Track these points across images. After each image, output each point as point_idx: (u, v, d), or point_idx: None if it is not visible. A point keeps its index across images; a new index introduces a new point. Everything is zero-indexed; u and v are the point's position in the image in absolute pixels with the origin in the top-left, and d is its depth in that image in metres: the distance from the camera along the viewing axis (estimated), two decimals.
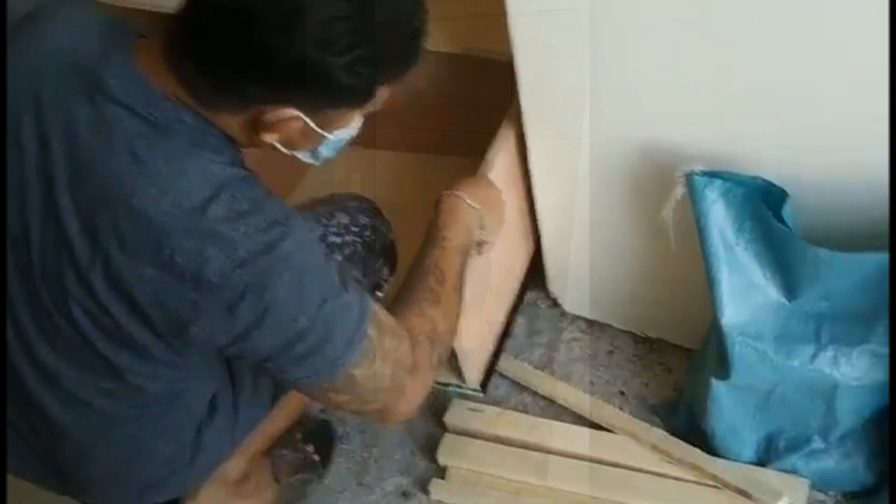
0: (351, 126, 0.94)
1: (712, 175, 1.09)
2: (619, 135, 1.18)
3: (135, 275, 0.83)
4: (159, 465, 1.08)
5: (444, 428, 1.42)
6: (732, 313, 1.14)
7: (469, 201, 1.16)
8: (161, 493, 1.12)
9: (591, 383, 1.45)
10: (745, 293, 1.13)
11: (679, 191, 1.12)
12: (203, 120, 0.86)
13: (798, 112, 1.03)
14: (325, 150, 0.96)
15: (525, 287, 1.56)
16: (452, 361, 1.38)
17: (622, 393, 1.43)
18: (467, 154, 1.36)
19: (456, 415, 1.41)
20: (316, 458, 1.41)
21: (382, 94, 0.90)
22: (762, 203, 1.07)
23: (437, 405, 1.45)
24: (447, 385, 1.43)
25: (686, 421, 1.33)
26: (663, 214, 1.16)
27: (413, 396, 0.99)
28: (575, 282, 1.49)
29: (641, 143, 1.17)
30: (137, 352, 0.91)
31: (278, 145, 0.91)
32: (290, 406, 1.29)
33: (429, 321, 1.02)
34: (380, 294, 1.27)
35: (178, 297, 0.83)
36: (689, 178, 1.10)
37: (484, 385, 1.44)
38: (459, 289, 1.10)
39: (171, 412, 1.03)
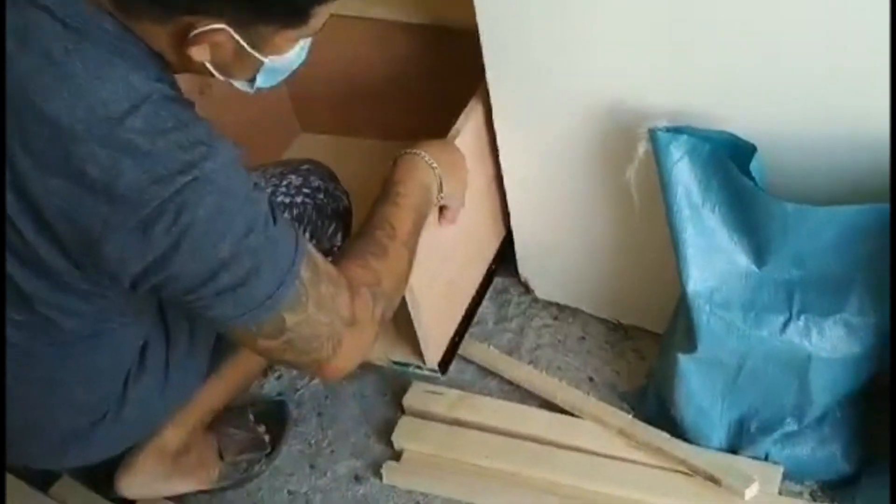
0: (289, 52, 0.89)
1: (677, 131, 1.03)
2: (583, 95, 1.13)
3: (42, 186, 0.77)
4: (80, 415, 1.01)
5: (403, 411, 1.35)
6: (698, 280, 1.07)
7: (428, 160, 1.10)
8: (86, 450, 1.05)
9: (559, 368, 1.38)
10: (711, 258, 1.07)
11: (642, 148, 1.07)
12: (127, 30, 0.80)
13: (765, 61, 0.97)
14: (261, 79, 0.90)
15: (494, 271, 1.50)
16: (411, 340, 1.32)
17: (591, 379, 1.36)
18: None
19: (415, 397, 1.34)
20: (266, 438, 1.34)
21: (319, 16, 0.85)
22: (729, 159, 1.01)
23: (396, 388, 1.39)
24: (406, 365, 1.36)
25: (655, 407, 1.26)
26: (627, 175, 1.11)
27: (352, 351, 0.92)
28: (546, 265, 1.43)
29: (606, 102, 1.11)
30: (49, 279, 0.85)
31: (211, 67, 0.86)
32: (233, 379, 1.22)
33: (373, 273, 0.95)
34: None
35: (88, 211, 0.77)
36: (652, 133, 1.04)
37: (444, 367, 1.36)
38: (411, 247, 1.03)
39: (92, 355, 0.97)
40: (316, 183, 1.21)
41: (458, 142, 1.23)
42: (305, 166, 1.23)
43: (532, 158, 1.26)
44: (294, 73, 0.94)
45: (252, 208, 0.83)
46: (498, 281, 1.51)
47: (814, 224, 0.97)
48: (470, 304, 1.44)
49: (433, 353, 1.34)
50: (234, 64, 0.86)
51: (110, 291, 0.88)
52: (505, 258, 1.49)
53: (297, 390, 1.44)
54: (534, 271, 1.47)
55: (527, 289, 1.49)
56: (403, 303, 1.21)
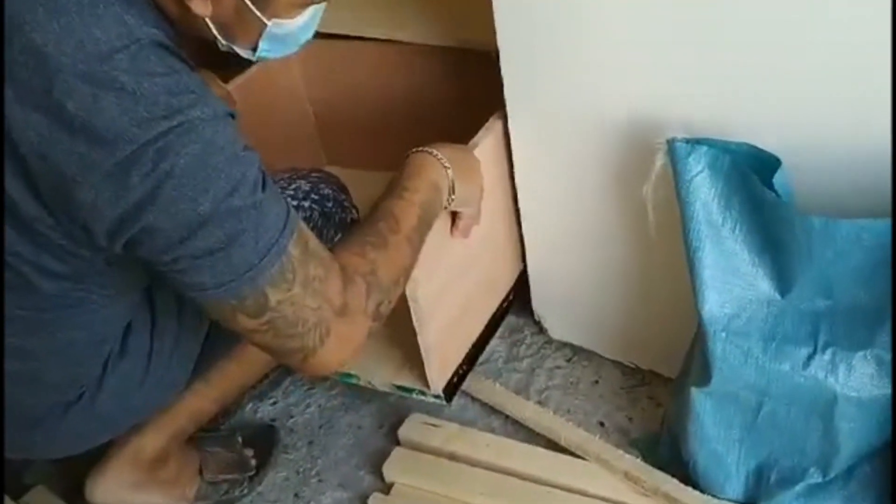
0: (295, 19, 0.85)
1: (696, 142, 0.97)
2: (600, 107, 1.08)
3: (21, 119, 0.73)
4: (53, 392, 0.95)
5: (397, 443, 1.26)
6: (715, 304, 0.99)
7: (441, 159, 1.04)
8: (55, 437, 0.99)
9: (569, 411, 1.28)
10: (730, 282, 0.99)
11: (660, 161, 1.00)
12: None
13: (789, 69, 0.92)
14: (265, 45, 0.87)
15: (507, 308, 1.41)
16: (416, 365, 1.24)
17: (602, 424, 1.26)
18: None
19: (411, 428, 1.26)
20: (253, 462, 1.26)
21: None
22: (752, 173, 0.94)
23: (393, 420, 1.31)
24: (409, 390, 1.26)
25: (667, 454, 1.16)
26: (643, 191, 1.04)
27: (341, 343, 0.86)
28: (561, 302, 1.36)
29: (623, 114, 1.06)
30: (23, 229, 0.80)
31: (212, 26, 0.82)
32: (221, 388, 1.16)
33: (369, 263, 0.89)
34: None
35: (65, 150, 0.73)
36: (670, 145, 0.98)
37: (449, 394, 1.27)
38: (415, 243, 0.97)
39: (70, 328, 0.91)
40: (326, 191, 1.17)
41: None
42: (316, 175, 1.20)
43: (548, 177, 1.20)
44: (301, 47, 0.91)
45: (239, 168, 0.77)
46: (512, 319, 1.44)
47: (841, 241, 0.89)
48: (480, 336, 1.35)
49: (438, 378, 1.24)
50: (236, 24, 0.83)
51: (87, 250, 0.83)
52: (520, 298, 1.42)
53: (291, 417, 1.37)
54: (548, 310, 1.39)
55: (541, 329, 1.41)
56: (409, 324, 1.15)
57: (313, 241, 0.85)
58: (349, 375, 1.27)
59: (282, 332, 0.83)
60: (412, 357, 1.23)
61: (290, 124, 1.70)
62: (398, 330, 1.17)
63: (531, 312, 1.41)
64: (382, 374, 1.28)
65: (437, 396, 1.25)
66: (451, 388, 1.28)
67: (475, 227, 1.17)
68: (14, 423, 0.96)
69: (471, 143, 1.20)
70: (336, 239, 1.17)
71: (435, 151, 1.04)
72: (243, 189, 0.77)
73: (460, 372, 1.29)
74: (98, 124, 0.72)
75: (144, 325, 1.00)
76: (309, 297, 0.82)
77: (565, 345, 1.39)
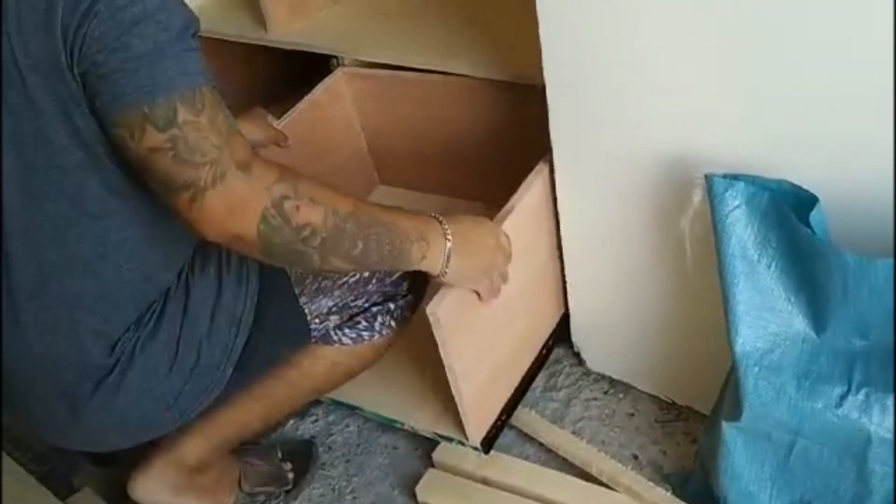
0: None
1: (734, 178, 0.98)
2: (640, 142, 1.10)
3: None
4: (89, 350, 1.00)
5: (432, 465, 1.28)
6: (748, 340, 0.99)
7: (445, 229, 1.04)
8: (78, 419, 1.03)
9: (603, 442, 1.29)
10: (764, 318, 0.99)
11: (697, 196, 1.02)
12: None
13: (828, 105, 0.92)
14: None
15: (551, 348, 1.42)
16: (457, 414, 1.24)
17: (635, 457, 1.27)
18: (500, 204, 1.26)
19: (445, 451, 1.28)
20: (290, 476, 1.30)
21: None
22: (789, 210, 0.95)
23: (429, 444, 1.33)
24: (449, 439, 1.28)
25: (699, 489, 1.15)
26: (681, 226, 1.06)
27: (230, 198, 0.87)
28: (600, 336, 1.37)
29: (663, 150, 1.07)
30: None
31: None
32: (266, 404, 1.20)
33: (293, 171, 0.93)
34: (391, 305, 1.19)
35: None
36: (708, 179, 1.00)
37: (487, 445, 1.28)
38: (356, 224, 0.96)
39: (95, 272, 0.98)
40: None
41: (517, 212, 1.20)
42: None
43: (590, 214, 1.22)
44: None
45: (178, 16, 0.87)
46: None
47: (876, 280, 0.89)
48: (519, 386, 1.35)
49: (476, 431, 1.26)
50: None
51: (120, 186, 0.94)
52: (561, 328, 1.44)
53: (331, 435, 1.40)
54: (587, 342, 1.40)
55: (579, 360, 1.42)
56: (444, 378, 1.18)
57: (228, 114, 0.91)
58: (393, 420, 1.32)
59: (180, 156, 0.86)
60: (453, 406, 1.24)
61: (344, 150, 1.76)
62: (440, 375, 1.19)
63: (570, 343, 1.43)
64: (425, 421, 1.31)
65: (475, 448, 1.27)
66: (490, 439, 1.29)
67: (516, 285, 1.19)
68: (47, 391, 1.02)
69: (521, 188, 1.24)
70: (398, 276, 1.20)
71: (444, 222, 1.05)
72: (174, 25, 0.86)
73: (499, 423, 1.31)
74: None
75: (177, 310, 1.04)
76: (213, 135, 0.87)
77: (603, 377, 1.40)
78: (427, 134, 1.67)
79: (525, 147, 1.30)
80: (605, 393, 1.38)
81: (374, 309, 1.19)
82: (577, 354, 1.42)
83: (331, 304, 1.15)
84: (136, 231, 1.00)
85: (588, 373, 1.41)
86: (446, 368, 1.16)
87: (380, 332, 1.19)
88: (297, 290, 1.14)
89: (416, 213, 1.05)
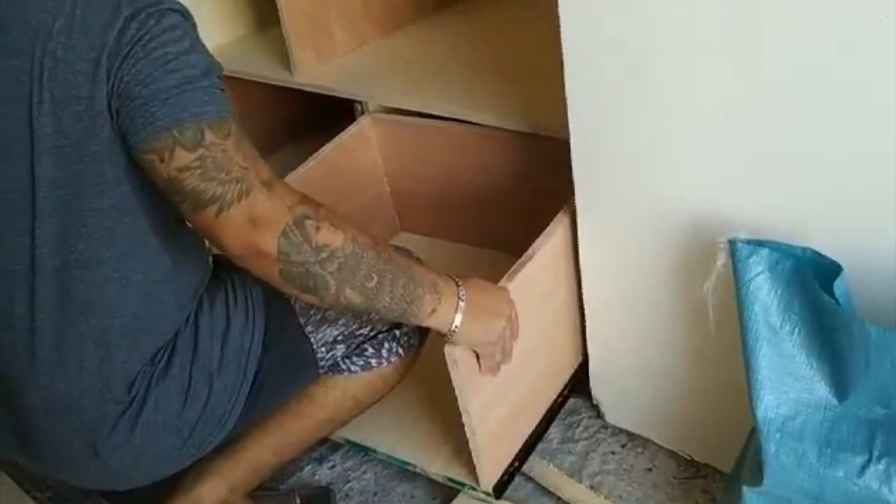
0: None
1: (758, 244, 0.99)
2: (665, 204, 1.11)
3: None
4: (102, 392, 1.03)
5: None
6: (771, 406, 1.00)
7: (460, 289, 1.07)
8: (105, 459, 1.05)
9: (620, 497, 1.29)
10: (787, 385, 0.99)
11: (721, 260, 1.03)
12: None
13: (854, 174, 0.94)
14: None
15: (567, 397, 1.44)
16: (469, 460, 1.26)
17: None
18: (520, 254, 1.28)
19: (463, 502, 1.28)
20: None
21: None
22: (812, 278, 0.96)
23: (447, 493, 1.33)
24: (461, 484, 1.30)
25: None
26: (704, 289, 1.06)
27: (253, 213, 0.93)
28: (619, 389, 1.38)
29: (687, 212, 1.09)
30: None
31: None
32: (280, 440, 1.22)
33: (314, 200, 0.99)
34: (397, 332, 1.22)
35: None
36: (732, 245, 1.01)
37: (499, 492, 1.29)
38: (380, 255, 1.00)
39: (119, 311, 1.02)
40: None
41: (536, 259, 1.23)
42: (390, 246, 1.25)
43: (612, 270, 1.24)
44: None
45: (204, 57, 0.96)
46: (569, 402, 1.46)
47: None
48: (535, 431, 1.37)
49: (488, 477, 1.27)
50: None
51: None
52: (579, 378, 1.44)
53: (348, 482, 1.41)
54: (607, 395, 1.41)
55: (598, 412, 1.43)
56: (459, 423, 1.19)
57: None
58: (406, 463, 1.33)
59: (208, 174, 0.92)
60: (465, 451, 1.25)
61: (367, 194, 1.79)
62: (454, 420, 1.21)
63: (589, 395, 1.43)
64: (437, 464, 1.33)
65: (487, 493, 1.28)
66: (502, 486, 1.30)
67: (535, 334, 1.22)
68: (63, 430, 1.04)
69: (541, 237, 1.26)
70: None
71: (460, 282, 1.08)
72: (201, 65, 0.95)
73: (511, 470, 1.32)
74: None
75: (187, 346, 1.08)
76: (239, 156, 0.94)
77: (621, 430, 1.40)
78: (451, 181, 1.70)
79: (548, 197, 1.32)
80: (623, 446, 1.38)
81: (381, 336, 1.22)
82: (596, 407, 1.42)
83: (336, 333, 1.18)
84: (155, 272, 1.04)
85: (606, 425, 1.41)
86: (461, 410, 1.17)
87: (388, 360, 1.22)
88: (302, 321, 1.17)
89: (434, 268, 1.08)
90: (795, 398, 0.99)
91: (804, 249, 0.97)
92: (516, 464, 1.33)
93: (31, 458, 1.12)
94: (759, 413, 1.00)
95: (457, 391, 1.15)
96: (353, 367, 1.21)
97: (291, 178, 1.59)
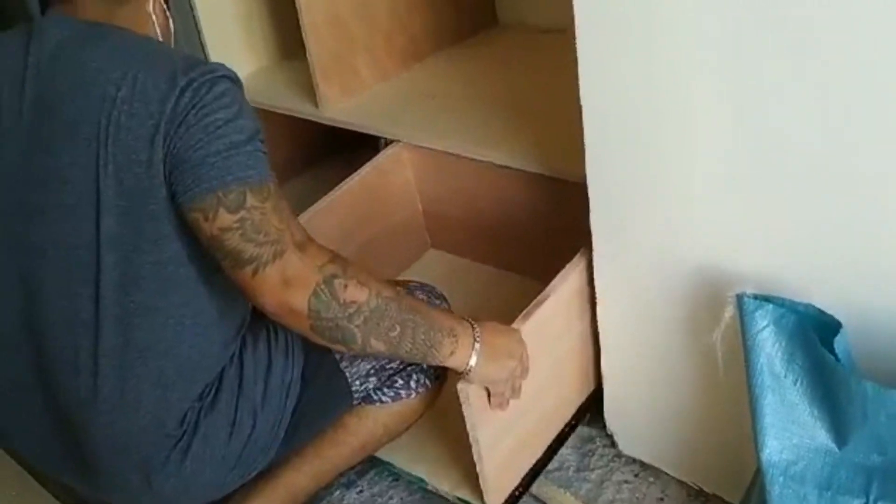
0: None
1: (764, 299, 1.06)
2: (677, 257, 1.19)
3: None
4: (157, 428, 1.11)
5: None
6: (774, 450, 1.06)
7: (475, 331, 1.17)
8: (158, 489, 1.13)
9: None
10: (790, 431, 1.06)
11: (729, 312, 1.10)
12: None
13: (856, 235, 1.01)
14: None
15: (576, 423, 1.52)
16: (476, 480, 1.35)
17: None
18: (540, 278, 1.39)
19: None
20: None
21: None
22: (814, 333, 1.03)
23: None
24: (465, 502, 1.39)
25: None
26: (713, 338, 1.13)
27: (287, 273, 1.02)
28: (632, 421, 1.45)
29: (698, 265, 1.17)
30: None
31: None
32: (317, 465, 1.32)
33: (342, 258, 1.08)
34: (424, 365, 1.29)
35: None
36: (739, 299, 1.07)
37: None
38: (397, 308, 1.09)
39: (174, 353, 1.10)
40: (421, 297, 1.30)
41: (549, 303, 1.32)
42: (415, 284, 1.33)
43: (627, 313, 1.31)
44: None
45: (250, 122, 1.05)
46: (585, 430, 1.53)
47: (893, 407, 0.96)
48: (539, 460, 1.46)
49: (494, 499, 1.36)
50: None
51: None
52: (595, 408, 1.51)
53: None
54: (620, 426, 1.48)
55: (612, 442, 1.50)
56: (470, 449, 1.29)
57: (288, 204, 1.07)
58: (420, 479, 1.44)
59: (247, 235, 1.01)
60: (475, 472, 1.34)
61: (400, 212, 1.90)
62: (466, 445, 1.30)
63: (604, 425, 1.50)
64: (448, 484, 1.44)
65: None
66: None
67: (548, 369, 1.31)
68: (120, 464, 1.13)
69: (556, 278, 1.35)
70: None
71: (476, 326, 1.17)
72: (247, 131, 1.04)
73: (517, 493, 1.41)
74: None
75: (233, 383, 1.17)
76: (276, 218, 1.03)
77: (634, 460, 1.47)
78: (474, 207, 1.80)
79: (563, 234, 1.40)
80: (636, 475, 1.45)
81: (409, 368, 1.30)
82: (611, 437, 1.49)
83: (369, 366, 1.27)
84: (205, 316, 1.13)
85: (620, 454, 1.48)
86: (471, 440, 1.27)
87: (416, 391, 1.31)
88: (337, 357, 1.26)
89: (451, 312, 1.19)
90: (798, 444, 1.06)
91: (806, 306, 1.04)
92: (522, 488, 1.43)
93: (87, 485, 1.21)
94: (764, 457, 1.07)
95: (467, 424, 1.25)
96: (384, 398, 1.30)
97: (332, 195, 1.73)
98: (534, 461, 1.45)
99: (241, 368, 1.18)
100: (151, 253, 1.06)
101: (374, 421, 1.32)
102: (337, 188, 1.74)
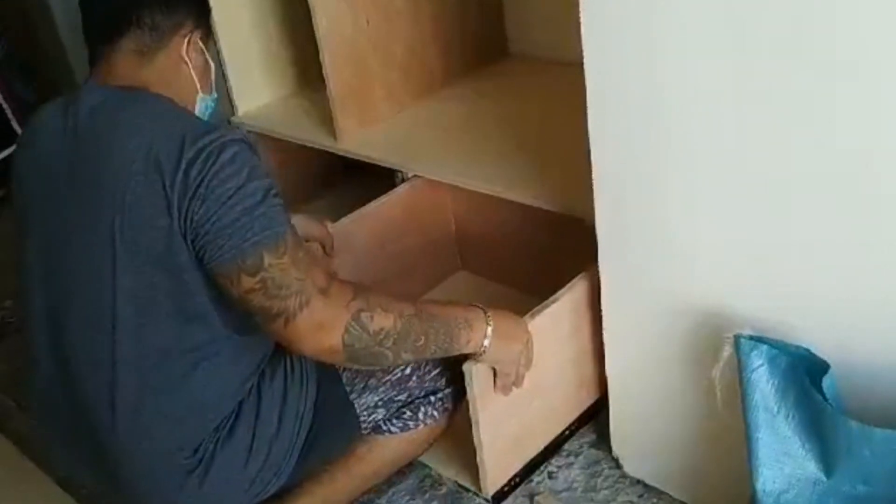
0: None
1: (759, 340, 1.15)
2: (679, 299, 1.28)
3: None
4: (170, 458, 1.21)
5: None
6: (768, 480, 1.15)
7: (488, 317, 1.28)
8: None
9: None
10: (782, 462, 1.15)
11: (727, 351, 1.18)
12: None
13: (845, 284, 1.10)
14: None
15: (570, 434, 1.64)
16: (476, 470, 1.47)
17: None
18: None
19: None
20: None
21: None
22: (804, 373, 1.11)
23: None
24: (465, 489, 1.52)
25: None
26: (713, 374, 1.22)
27: (316, 318, 1.10)
28: (636, 444, 1.53)
29: (699, 305, 1.26)
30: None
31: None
32: (329, 488, 1.40)
33: (364, 287, 1.17)
34: (432, 398, 1.40)
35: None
36: (736, 340, 1.16)
37: (497, 500, 1.51)
38: (419, 323, 1.19)
39: (187, 391, 1.19)
40: None
41: (556, 306, 1.45)
42: None
43: (631, 345, 1.40)
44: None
45: (259, 181, 1.12)
46: (592, 452, 1.61)
47: (877, 445, 1.05)
48: (537, 456, 1.58)
49: (491, 485, 1.49)
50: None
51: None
52: (600, 433, 1.61)
53: None
54: (625, 449, 1.56)
55: (617, 464, 1.58)
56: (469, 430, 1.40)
57: (305, 247, 1.14)
58: (426, 466, 1.57)
59: (270, 292, 1.09)
60: (476, 463, 1.47)
61: (434, 231, 2.01)
62: (471, 437, 1.42)
63: (609, 448, 1.59)
64: (450, 470, 1.58)
65: (486, 500, 1.50)
66: (502, 495, 1.52)
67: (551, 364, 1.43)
68: (142, 488, 1.23)
69: (563, 288, 1.48)
70: (440, 370, 1.42)
71: (488, 312, 1.29)
72: (258, 193, 1.11)
73: (512, 483, 1.54)
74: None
75: (250, 415, 1.25)
76: (295, 270, 1.10)
77: (639, 482, 1.55)
78: (501, 233, 1.91)
79: (580, 256, 1.49)
80: (640, 496, 1.53)
81: (417, 401, 1.41)
82: (616, 459, 1.58)
83: (376, 398, 1.37)
84: (223, 357, 1.22)
85: (625, 475, 1.57)
86: (472, 422, 1.38)
87: (424, 422, 1.41)
88: (347, 389, 1.36)
89: (464, 303, 1.29)
90: (790, 474, 1.15)
91: (798, 347, 1.12)
92: (517, 479, 1.55)
93: (107, 488, 1.32)
94: (758, 486, 1.16)
95: (469, 404, 1.37)
96: (392, 429, 1.41)
97: (369, 208, 1.85)
98: (534, 453, 1.58)
99: (259, 400, 1.27)
100: (168, 305, 1.16)
101: (383, 450, 1.42)
102: (373, 201, 1.87)
